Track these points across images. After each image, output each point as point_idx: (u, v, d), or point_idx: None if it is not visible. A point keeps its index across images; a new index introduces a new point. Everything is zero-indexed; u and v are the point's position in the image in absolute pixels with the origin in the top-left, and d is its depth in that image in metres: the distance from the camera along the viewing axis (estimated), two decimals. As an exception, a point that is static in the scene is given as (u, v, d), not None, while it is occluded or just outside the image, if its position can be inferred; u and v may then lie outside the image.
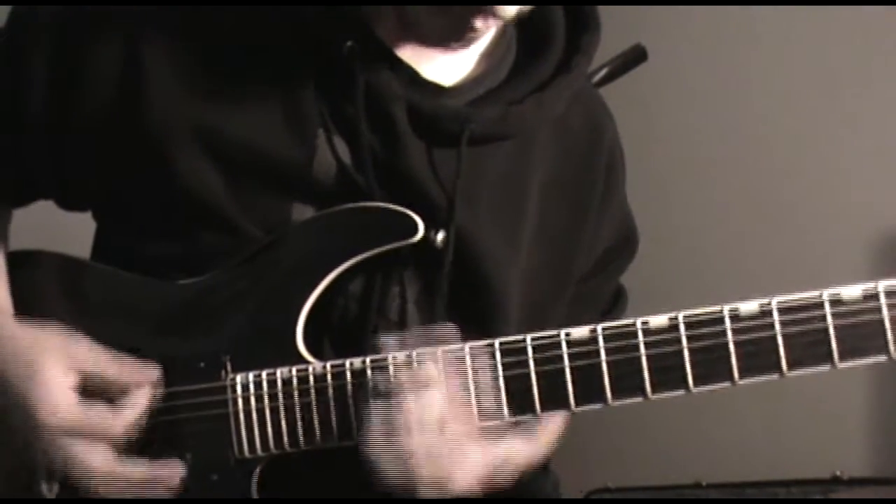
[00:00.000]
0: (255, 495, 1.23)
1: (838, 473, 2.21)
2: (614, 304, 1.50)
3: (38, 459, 1.21)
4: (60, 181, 1.34)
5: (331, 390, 1.21)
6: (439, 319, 1.26)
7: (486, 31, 1.27)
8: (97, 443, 1.20)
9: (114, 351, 1.24)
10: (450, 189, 1.26)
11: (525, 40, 1.36)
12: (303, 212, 1.27)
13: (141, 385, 1.22)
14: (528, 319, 1.33)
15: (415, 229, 1.23)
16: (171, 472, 1.22)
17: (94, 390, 1.22)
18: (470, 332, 1.22)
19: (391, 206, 1.24)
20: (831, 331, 1.11)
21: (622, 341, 1.16)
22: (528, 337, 1.18)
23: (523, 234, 1.34)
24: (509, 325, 1.31)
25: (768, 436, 2.70)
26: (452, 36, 1.27)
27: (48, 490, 1.31)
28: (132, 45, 1.26)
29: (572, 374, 1.17)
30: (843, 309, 1.11)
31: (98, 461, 1.20)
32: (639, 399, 1.16)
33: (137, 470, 1.21)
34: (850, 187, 2.78)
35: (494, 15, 1.21)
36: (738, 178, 2.95)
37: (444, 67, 1.31)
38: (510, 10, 1.20)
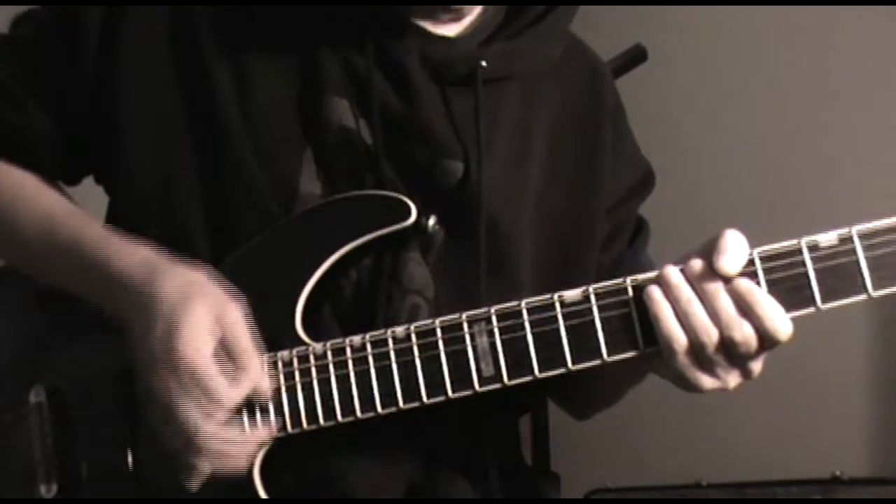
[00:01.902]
0: (258, 481, 1.23)
1: (838, 473, 2.21)
2: (638, 232, 1.53)
3: (153, 389, 1.19)
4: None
5: (331, 367, 1.24)
6: (454, 280, 1.32)
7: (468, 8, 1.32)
8: (203, 402, 1.18)
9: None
10: (464, 133, 1.32)
11: None
12: (311, 181, 1.31)
13: (253, 375, 1.21)
14: (552, 266, 1.38)
15: (408, 214, 1.26)
16: (266, 433, 1.22)
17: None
18: (485, 283, 1.29)
19: (385, 192, 1.28)
20: (812, 275, 1.16)
21: (612, 298, 1.20)
22: (523, 302, 1.21)
23: (530, 179, 1.38)
24: (523, 273, 1.36)
25: (768, 436, 2.70)
26: (427, 13, 1.32)
27: (46, 491, 1.32)
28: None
29: (567, 334, 1.20)
30: (820, 254, 1.16)
31: (202, 417, 1.18)
32: (632, 353, 1.20)
33: (232, 434, 1.20)
34: (849, 185, 2.78)
35: None
36: (737, 177, 2.95)
37: (449, 23, 1.37)
38: None
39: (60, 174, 1.42)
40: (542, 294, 1.24)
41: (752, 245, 1.17)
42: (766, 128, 2.92)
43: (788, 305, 1.16)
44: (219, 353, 1.19)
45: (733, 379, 1.20)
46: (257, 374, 1.21)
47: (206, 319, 1.19)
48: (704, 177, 2.93)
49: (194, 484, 1.20)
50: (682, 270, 1.18)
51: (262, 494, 1.23)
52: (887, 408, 2.75)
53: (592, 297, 1.20)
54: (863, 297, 1.16)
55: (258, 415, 1.23)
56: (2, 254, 1.42)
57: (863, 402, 2.78)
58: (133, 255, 1.25)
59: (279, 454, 1.25)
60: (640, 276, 1.20)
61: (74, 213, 1.36)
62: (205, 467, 1.19)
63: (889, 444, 2.74)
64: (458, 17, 1.36)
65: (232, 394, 1.18)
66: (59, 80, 1.35)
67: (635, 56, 2.24)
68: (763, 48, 2.93)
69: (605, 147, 1.44)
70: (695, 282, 1.17)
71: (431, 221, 1.30)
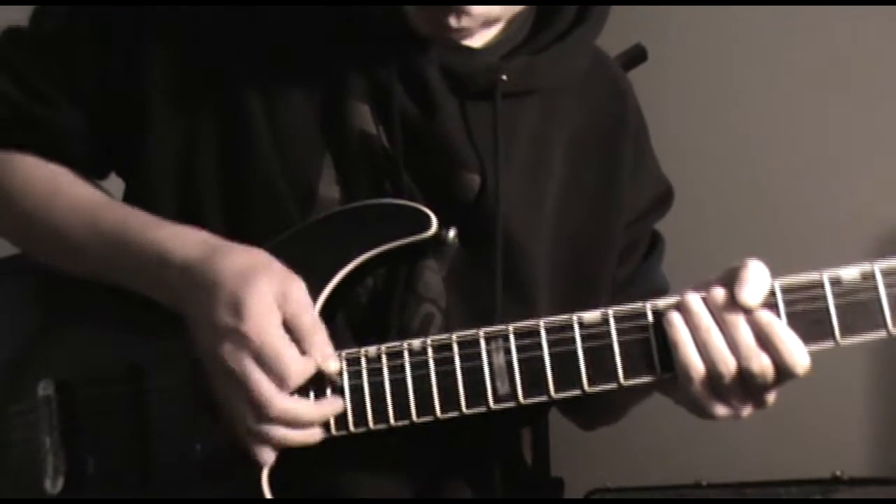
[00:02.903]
0: (265, 484, 1.23)
1: (838, 473, 2.21)
2: (653, 246, 1.53)
3: (221, 364, 1.19)
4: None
5: (345, 377, 1.23)
6: (467, 291, 1.31)
7: (469, 29, 1.30)
8: (274, 374, 1.18)
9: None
10: (482, 146, 1.31)
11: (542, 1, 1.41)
12: (329, 185, 1.31)
13: (320, 348, 1.21)
14: (567, 279, 1.38)
15: (428, 225, 1.26)
16: (336, 407, 1.22)
17: None
18: (500, 296, 1.29)
19: (406, 202, 1.28)
20: (832, 309, 1.15)
21: (632, 322, 1.19)
22: (542, 321, 1.20)
23: (548, 195, 1.38)
24: (537, 286, 1.35)
25: (768, 436, 2.70)
26: (437, 31, 1.30)
27: (52, 485, 1.31)
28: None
29: (585, 356, 1.19)
30: (842, 288, 1.15)
31: (274, 388, 1.17)
32: (649, 378, 1.19)
33: (303, 406, 1.20)
34: (849, 186, 2.79)
35: (465, 13, 1.25)
36: (737, 178, 2.95)
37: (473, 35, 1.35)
38: (478, 9, 1.25)
39: (87, 169, 1.41)
40: (555, 308, 1.24)
41: (773, 273, 1.17)
42: (766, 128, 2.92)
43: (807, 339, 1.15)
44: (286, 327, 1.19)
45: (746, 409, 1.20)
46: (324, 347, 1.21)
47: (272, 294, 1.19)
48: (704, 177, 2.92)
49: (268, 457, 1.20)
50: (703, 298, 1.18)
51: (268, 494, 1.23)
52: (887, 408, 2.76)
53: (611, 320, 1.19)
54: (882, 333, 1.15)
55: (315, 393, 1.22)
56: (36, 247, 1.40)
57: (863, 402, 2.79)
58: (188, 237, 1.26)
59: (286, 465, 1.24)
60: (661, 302, 1.19)
61: (115, 202, 1.36)
62: (278, 440, 1.19)
63: (889, 444, 2.75)
64: (462, 35, 1.33)
65: (301, 365, 1.18)
66: (86, 79, 1.35)
67: (635, 56, 2.24)
68: (763, 48, 2.94)
69: (625, 164, 1.43)
70: (715, 311, 1.17)
71: (451, 234, 1.30)
